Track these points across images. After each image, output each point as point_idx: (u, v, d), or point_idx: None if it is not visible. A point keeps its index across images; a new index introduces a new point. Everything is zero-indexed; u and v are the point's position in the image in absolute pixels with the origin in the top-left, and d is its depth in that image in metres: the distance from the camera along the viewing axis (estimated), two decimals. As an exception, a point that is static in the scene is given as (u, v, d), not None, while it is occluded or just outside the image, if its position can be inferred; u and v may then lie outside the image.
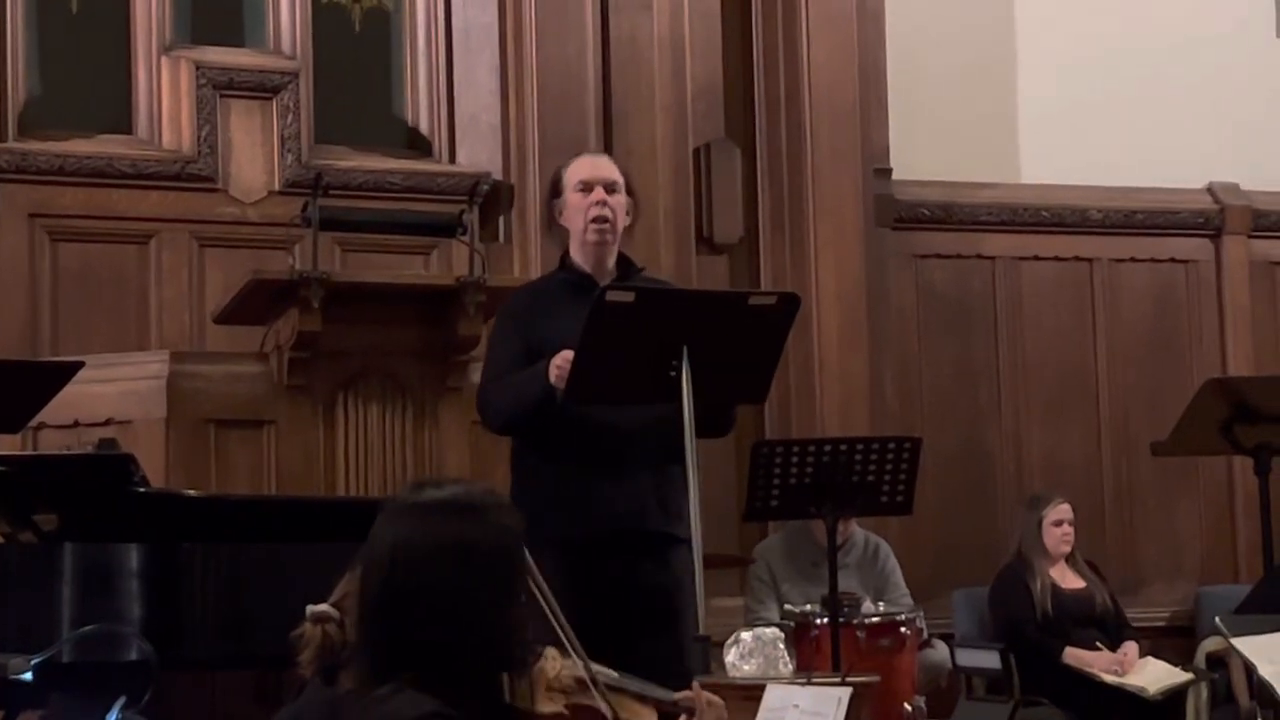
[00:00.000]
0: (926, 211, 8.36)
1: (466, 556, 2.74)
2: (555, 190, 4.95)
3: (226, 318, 6.29)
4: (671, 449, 4.67)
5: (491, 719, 2.76)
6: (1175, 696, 7.09)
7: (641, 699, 3.09)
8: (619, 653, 4.46)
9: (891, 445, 5.60)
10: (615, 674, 3.10)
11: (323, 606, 3.19)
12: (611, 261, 4.90)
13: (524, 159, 7.41)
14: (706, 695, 3.09)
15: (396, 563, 2.75)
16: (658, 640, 4.62)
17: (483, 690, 2.76)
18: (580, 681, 2.98)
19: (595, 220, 4.83)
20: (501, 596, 2.76)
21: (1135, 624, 7.48)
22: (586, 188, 4.85)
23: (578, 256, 4.90)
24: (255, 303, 6.04)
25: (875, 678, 4.63)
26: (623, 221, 4.89)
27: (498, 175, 7.48)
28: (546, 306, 4.85)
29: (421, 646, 2.72)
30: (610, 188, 4.86)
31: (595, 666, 3.02)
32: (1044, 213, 8.55)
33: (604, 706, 2.97)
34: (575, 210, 4.87)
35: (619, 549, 4.71)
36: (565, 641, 2.97)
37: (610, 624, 4.64)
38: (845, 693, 3.95)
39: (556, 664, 3.01)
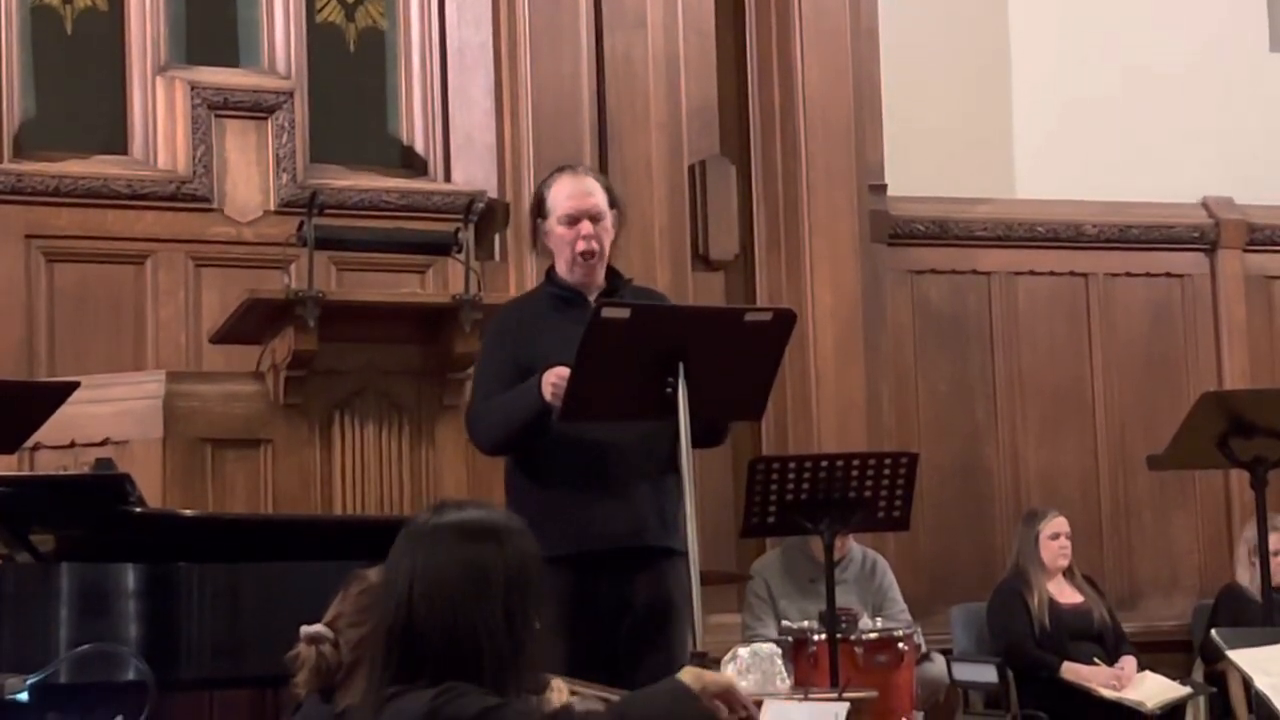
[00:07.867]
0: (921, 227, 8.36)
1: (484, 579, 2.75)
2: (539, 210, 4.93)
3: (222, 337, 6.29)
4: (666, 459, 4.65)
5: None
6: (1174, 711, 7.10)
7: None
8: (614, 670, 4.48)
9: (888, 460, 5.60)
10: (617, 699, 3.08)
11: (317, 627, 3.19)
12: (600, 275, 4.89)
13: (519, 177, 7.40)
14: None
15: (415, 584, 2.76)
16: (649, 659, 4.59)
17: None
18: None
19: (582, 254, 4.83)
20: (516, 621, 2.76)
21: (1133, 638, 7.48)
22: (572, 221, 4.83)
23: (564, 273, 4.89)
24: (251, 322, 6.04)
25: (873, 693, 4.63)
26: (610, 240, 4.89)
27: (493, 193, 7.48)
28: (536, 322, 4.83)
29: (434, 665, 2.72)
30: (595, 217, 4.83)
31: (602, 693, 3.01)
32: (1039, 228, 8.55)
33: None
34: (561, 241, 4.84)
35: (618, 565, 4.69)
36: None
37: (607, 642, 4.64)
38: (843, 708, 3.94)
39: (562, 695, 3.00)
